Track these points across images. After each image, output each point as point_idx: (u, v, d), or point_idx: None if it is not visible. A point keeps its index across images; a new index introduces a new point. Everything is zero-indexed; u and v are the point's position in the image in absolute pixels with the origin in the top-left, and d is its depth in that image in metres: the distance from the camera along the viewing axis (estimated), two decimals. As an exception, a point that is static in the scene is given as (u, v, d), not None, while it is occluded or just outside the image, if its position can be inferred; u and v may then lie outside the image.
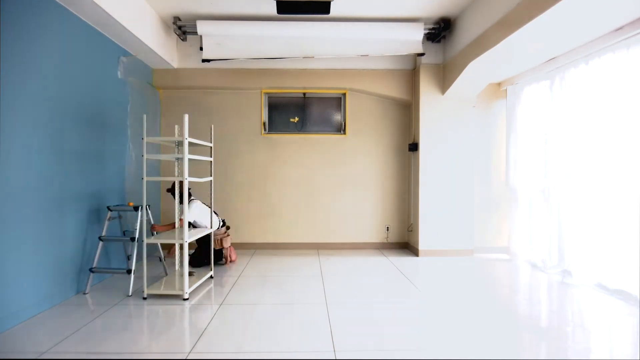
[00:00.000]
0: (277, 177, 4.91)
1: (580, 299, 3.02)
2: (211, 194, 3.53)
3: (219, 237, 3.95)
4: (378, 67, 4.75)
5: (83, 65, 3.17)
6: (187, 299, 2.89)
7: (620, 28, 2.98)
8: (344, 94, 4.95)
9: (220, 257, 4.04)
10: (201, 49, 4.14)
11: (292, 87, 4.81)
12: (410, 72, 4.76)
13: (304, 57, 4.24)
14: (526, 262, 4.19)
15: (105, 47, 3.52)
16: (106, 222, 3.20)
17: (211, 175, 3.50)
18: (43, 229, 2.68)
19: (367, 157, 4.95)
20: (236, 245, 4.86)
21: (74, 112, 3.04)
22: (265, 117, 4.92)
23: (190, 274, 3.36)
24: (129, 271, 3.06)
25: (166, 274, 3.52)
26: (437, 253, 4.47)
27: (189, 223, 3.50)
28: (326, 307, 2.76)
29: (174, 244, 3.80)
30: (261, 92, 4.89)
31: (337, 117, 5.00)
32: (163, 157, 3.11)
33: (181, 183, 3.35)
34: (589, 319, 2.62)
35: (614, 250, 3.14)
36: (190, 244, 3.18)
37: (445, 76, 4.41)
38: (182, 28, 4.16)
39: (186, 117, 2.87)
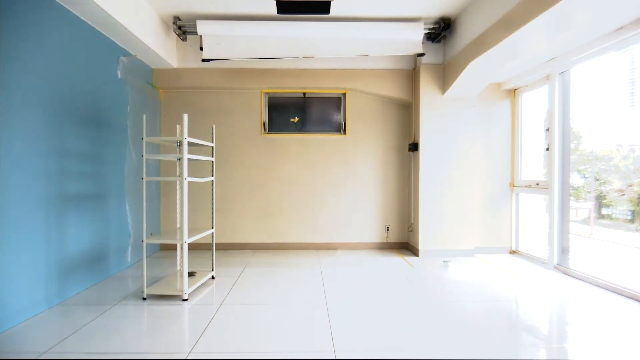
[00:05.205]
0: (277, 177, 4.91)
1: (580, 297, 3.02)
2: (212, 194, 3.52)
3: None
4: (378, 67, 4.74)
5: (83, 65, 3.17)
6: (186, 300, 2.89)
7: (621, 28, 2.98)
8: (344, 94, 4.94)
9: None
10: (201, 48, 4.14)
11: (292, 87, 4.81)
12: (410, 72, 4.76)
13: (304, 57, 4.24)
14: (528, 261, 4.19)
15: (105, 47, 3.52)
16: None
17: (212, 175, 3.50)
18: (43, 229, 2.68)
19: (367, 157, 4.95)
20: (236, 245, 4.87)
21: (73, 112, 3.04)
22: (265, 117, 4.92)
23: (191, 274, 3.36)
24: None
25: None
26: (437, 253, 4.47)
27: None
28: (326, 307, 2.76)
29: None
30: (261, 92, 4.88)
31: (337, 117, 5.00)
32: (163, 157, 3.11)
33: None
34: (588, 318, 2.62)
35: (615, 249, 3.14)
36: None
37: (445, 76, 4.41)
38: (182, 28, 4.16)
39: (185, 117, 2.87)
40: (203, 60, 4.14)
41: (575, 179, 3.67)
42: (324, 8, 3.61)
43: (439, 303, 2.88)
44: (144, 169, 2.98)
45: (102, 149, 3.47)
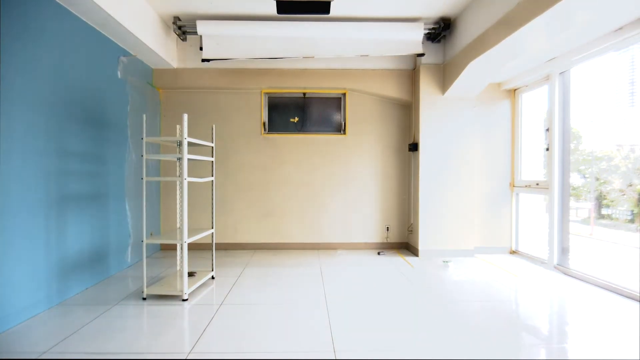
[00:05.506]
0: (276, 177, 4.91)
1: (580, 297, 3.02)
2: (212, 194, 3.52)
3: None
4: (378, 67, 4.74)
5: (83, 65, 3.17)
6: (186, 300, 2.89)
7: (620, 28, 2.98)
8: (344, 94, 4.94)
9: None
10: (201, 49, 4.14)
11: (292, 87, 4.81)
12: (410, 72, 4.76)
13: (304, 57, 4.24)
14: (528, 261, 4.19)
15: (105, 47, 3.52)
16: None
17: (212, 175, 3.50)
18: (43, 228, 2.68)
19: (367, 157, 4.95)
20: (236, 246, 4.87)
21: (73, 112, 3.04)
22: (265, 117, 4.92)
23: (191, 274, 3.36)
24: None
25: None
26: (437, 253, 4.47)
27: None
28: (326, 307, 2.76)
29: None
30: (261, 92, 4.89)
31: (337, 117, 5.00)
32: (163, 157, 3.11)
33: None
34: (588, 318, 2.62)
35: (615, 249, 3.14)
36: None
37: (445, 76, 4.41)
38: (182, 28, 4.16)
39: (185, 117, 2.87)
40: (203, 60, 4.14)
41: (575, 179, 3.67)
42: (324, 8, 3.61)
43: (439, 303, 2.88)
44: (144, 169, 2.98)
45: (102, 149, 3.47)
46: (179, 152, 3.33)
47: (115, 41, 3.64)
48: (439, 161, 4.48)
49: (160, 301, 2.88)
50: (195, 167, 4.65)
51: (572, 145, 3.68)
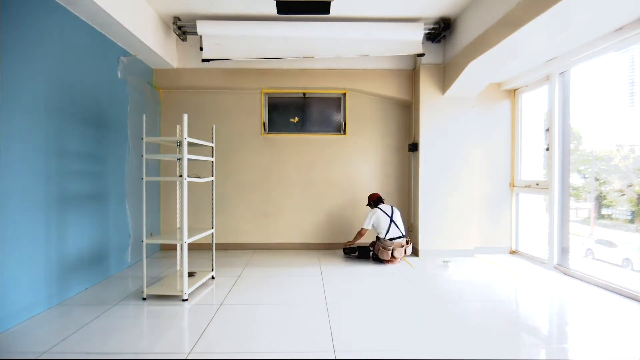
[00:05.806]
0: (277, 177, 4.91)
1: (580, 297, 3.02)
2: (212, 194, 3.52)
3: (390, 249, 4.03)
4: (378, 67, 4.74)
5: (83, 65, 3.17)
6: (186, 300, 2.89)
7: (620, 28, 2.98)
8: (344, 94, 4.94)
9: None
10: (201, 49, 4.14)
11: (292, 87, 4.81)
12: (410, 72, 4.76)
13: (304, 57, 4.24)
14: (528, 261, 4.19)
15: (105, 47, 3.51)
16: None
17: (212, 175, 3.50)
18: (43, 229, 2.68)
19: (367, 157, 4.95)
20: (236, 246, 4.87)
21: (73, 112, 3.04)
22: (265, 117, 4.92)
23: (191, 274, 3.36)
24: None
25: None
26: (437, 253, 4.47)
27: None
28: (326, 307, 2.76)
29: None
30: (261, 92, 4.89)
31: (337, 117, 5.00)
32: (163, 157, 3.11)
33: None
34: (588, 318, 2.62)
35: (615, 248, 3.14)
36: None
37: (445, 76, 4.41)
38: (182, 28, 4.16)
39: (185, 117, 2.87)
40: (203, 61, 4.14)
41: (575, 179, 3.67)
42: (324, 8, 3.61)
43: (439, 303, 2.88)
44: (144, 169, 2.98)
45: (102, 149, 3.47)
46: (179, 152, 3.33)
47: (115, 41, 3.64)
48: (439, 161, 4.48)
49: (160, 301, 2.88)
50: (195, 167, 4.65)
51: (572, 145, 3.68)
